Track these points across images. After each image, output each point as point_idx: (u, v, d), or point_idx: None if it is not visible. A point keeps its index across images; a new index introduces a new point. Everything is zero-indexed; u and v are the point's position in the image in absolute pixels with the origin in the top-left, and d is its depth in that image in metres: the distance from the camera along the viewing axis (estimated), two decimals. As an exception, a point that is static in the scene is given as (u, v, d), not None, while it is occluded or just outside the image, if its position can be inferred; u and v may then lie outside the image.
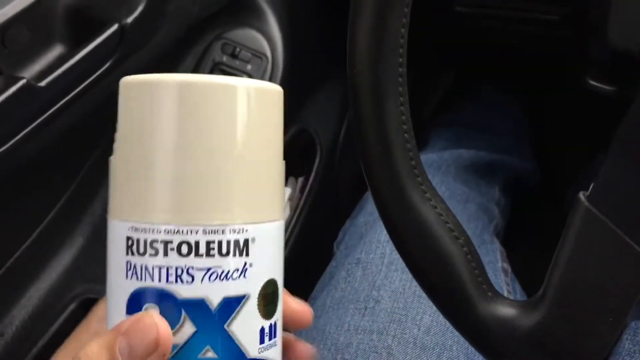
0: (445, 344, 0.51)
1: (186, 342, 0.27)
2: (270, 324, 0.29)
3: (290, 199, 0.74)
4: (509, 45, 0.86)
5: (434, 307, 0.35)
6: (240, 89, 0.28)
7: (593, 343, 0.32)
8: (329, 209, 0.80)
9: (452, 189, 0.67)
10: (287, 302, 0.32)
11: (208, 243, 0.27)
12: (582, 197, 0.32)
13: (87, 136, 0.58)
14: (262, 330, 0.29)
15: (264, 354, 0.29)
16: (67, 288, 0.60)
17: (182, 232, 0.27)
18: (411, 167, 0.33)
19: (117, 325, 0.28)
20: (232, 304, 0.28)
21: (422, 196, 0.33)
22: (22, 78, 0.48)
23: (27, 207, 0.58)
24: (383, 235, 0.59)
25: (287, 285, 0.32)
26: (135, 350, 0.26)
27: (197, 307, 0.27)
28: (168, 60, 0.67)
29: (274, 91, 0.29)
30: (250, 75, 0.69)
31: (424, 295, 0.35)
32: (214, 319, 0.27)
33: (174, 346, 0.27)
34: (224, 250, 0.27)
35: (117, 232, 0.28)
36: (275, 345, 0.30)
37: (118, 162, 0.28)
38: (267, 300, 0.29)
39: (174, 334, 0.27)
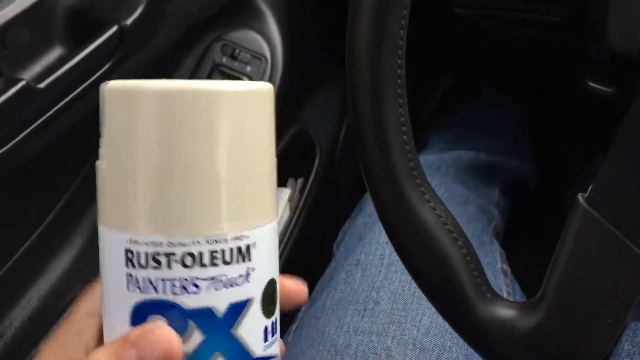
0: (444, 345, 0.51)
1: (196, 351, 0.27)
2: (272, 322, 0.30)
3: (290, 199, 0.74)
4: (508, 46, 0.86)
5: (433, 309, 0.35)
6: (225, 94, 0.27)
7: (592, 344, 0.32)
8: (328, 210, 0.80)
9: (451, 191, 0.67)
10: (283, 282, 0.32)
11: (212, 252, 0.27)
12: (581, 198, 0.32)
13: (86, 138, 0.58)
14: (266, 329, 0.29)
15: (268, 352, 0.29)
16: (67, 289, 0.60)
17: (185, 243, 0.27)
18: (410, 169, 0.33)
19: (124, 335, 0.27)
20: (237, 309, 0.28)
21: (421, 198, 0.33)
22: (22, 79, 0.48)
23: (26, 208, 0.58)
24: (382, 236, 0.59)
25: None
26: None
27: (204, 316, 0.27)
28: (168, 62, 0.67)
29: (262, 91, 0.29)
30: (250, 77, 0.69)
31: (423, 296, 0.35)
32: (221, 325, 0.27)
33: (184, 355, 0.27)
34: (228, 258, 0.27)
35: (115, 243, 0.27)
36: (276, 340, 0.30)
37: (110, 172, 0.28)
38: (269, 300, 0.29)
39: (183, 343, 0.27)
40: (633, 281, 0.32)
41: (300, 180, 0.77)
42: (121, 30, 0.53)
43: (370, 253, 0.58)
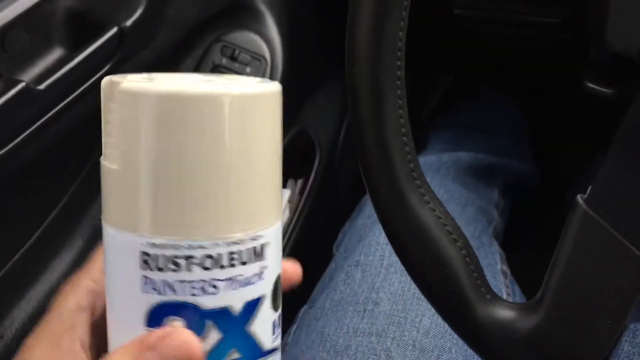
0: (444, 346, 0.51)
1: (213, 349, 0.28)
2: (279, 315, 0.31)
3: (289, 200, 0.74)
4: (508, 47, 0.86)
5: (433, 310, 0.35)
6: (245, 98, 0.27)
7: (592, 345, 0.33)
8: (328, 211, 0.80)
9: (450, 192, 0.67)
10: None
11: (230, 254, 0.27)
12: (580, 200, 0.32)
13: (86, 139, 0.58)
14: (274, 322, 0.30)
15: (274, 344, 0.30)
16: (67, 290, 0.60)
17: (205, 246, 0.27)
18: (409, 170, 0.33)
19: (141, 337, 0.27)
20: (252, 307, 0.29)
21: (421, 199, 0.33)
22: (21, 81, 0.48)
23: (26, 209, 0.58)
24: (382, 237, 0.59)
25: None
26: None
27: (221, 315, 0.28)
28: (167, 63, 0.67)
29: (275, 93, 0.29)
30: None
31: (422, 297, 0.35)
32: (237, 323, 0.28)
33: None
34: (245, 259, 0.28)
35: (127, 246, 0.27)
36: (280, 332, 0.31)
37: (124, 175, 0.27)
38: (277, 294, 0.30)
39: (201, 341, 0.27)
40: (632, 282, 0.32)
41: (300, 181, 0.77)
42: (121, 32, 0.53)
43: (369, 254, 0.58)
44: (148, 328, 0.28)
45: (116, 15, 0.54)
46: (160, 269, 0.27)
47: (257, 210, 0.28)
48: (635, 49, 0.46)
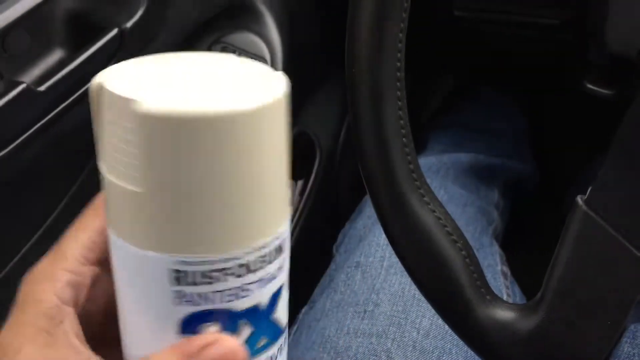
0: (444, 347, 0.51)
1: (245, 342, 0.29)
2: (287, 295, 0.31)
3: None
4: (508, 47, 0.86)
5: (433, 311, 0.35)
6: (266, 110, 0.27)
7: (592, 346, 0.33)
8: (328, 212, 0.80)
9: (450, 193, 0.67)
10: None
11: (259, 258, 0.28)
12: (580, 200, 0.32)
13: (87, 140, 0.58)
14: (287, 304, 0.31)
15: (286, 319, 0.32)
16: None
17: (238, 256, 0.27)
18: (409, 171, 0.33)
19: (180, 346, 0.28)
20: (275, 297, 0.30)
21: (421, 200, 0.33)
22: (22, 82, 0.48)
23: (27, 210, 0.58)
24: (382, 238, 0.59)
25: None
26: None
27: (252, 312, 0.29)
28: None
29: (283, 97, 0.29)
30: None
31: (423, 298, 0.35)
32: (265, 315, 0.29)
33: None
34: (271, 258, 0.29)
35: (156, 264, 0.27)
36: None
37: (152, 197, 0.26)
38: (288, 279, 0.31)
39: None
40: (632, 283, 0.32)
41: (300, 182, 0.77)
42: (121, 33, 0.53)
43: (370, 255, 0.58)
44: (182, 335, 0.28)
45: (116, 17, 0.54)
46: (194, 284, 0.27)
47: (279, 211, 0.29)
48: (634, 50, 0.46)
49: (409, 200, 0.33)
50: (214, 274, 0.27)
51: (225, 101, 0.26)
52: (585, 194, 0.33)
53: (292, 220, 0.73)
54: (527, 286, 0.62)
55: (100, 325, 0.32)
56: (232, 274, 0.27)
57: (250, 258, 0.28)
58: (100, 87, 0.27)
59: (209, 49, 0.69)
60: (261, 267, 0.28)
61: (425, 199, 0.33)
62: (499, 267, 0.61)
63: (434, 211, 0.33)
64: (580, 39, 0.57)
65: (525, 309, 0.34)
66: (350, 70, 0.33)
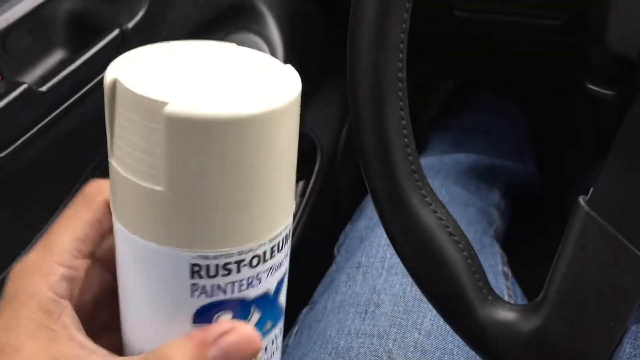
0: (445, 347, 0.51)
1: (254, 326, 0.30)
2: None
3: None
4: (508, 48, 0.86)
5: (435, 311, 0.35)
6: (283, 110, 0.28)
7: (593, 347, 0.33)
8: (329, 213, 0.80)
9: (452, 193, 0.67)
10: None
11: (271, 248, 0.29)
12: (582, 201, 0.32)
13: (88, 141, 0.58)
14: (286, 288, 0.32)
15: (284, 303, 0.33)
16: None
17: (253, 249, 0.28)
18: (411, 172, 0.33)
19: (194, 335, 0.28)
20: (281, 283, 0.31)
21: (422, 200, 0.33)
22: (23, 83, 0.48)
23: (28, 211, 0.58)
24: (383, 239, 0.59)
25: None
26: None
27: (262, 299, 0.30)
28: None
29: (298, 95, 0.30)
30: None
31: (424, 299, 0.35)
32: (272, 300, 0.31)
33: None
34: (281, 247, 0.30)
35: (175, 259, 0.28)
36: None
37: (174, 197, 0.27)
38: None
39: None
40: (634, 283, 0.32)
41: (301, 183, 0.77)
42: (122, 34, 0.53)
43: (371, 256, 0.58)
44: (195, 325, 0.29)
45: (118, 17, 0.54)
46: (211, 277, 0.28)
47: (289, 205, 0.30)
48: (635, 51, 0.46)
49: (411, 201, 0.33)
50: (231, 266, 0.28)
51: (249, 101, 0.26)
52: (586, 195, 0.33)
53: (293, 219, 0.73)
54: (528, 287, 0.62)
55: (89, 313, 0.31)
56: (247, 264, 0.28)
57: (264, 249, 0.29)
58: (116, 84, 0.26)
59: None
60: (272, 257, 0.29)
61: (426, 199, 0.33)
62: (500, 268, 0.61)
63: (435, 211, 0.33)
64: (581, 40, 0.57)
65: (526, 309, 0.34)
66: (352, 71, 0.33)
